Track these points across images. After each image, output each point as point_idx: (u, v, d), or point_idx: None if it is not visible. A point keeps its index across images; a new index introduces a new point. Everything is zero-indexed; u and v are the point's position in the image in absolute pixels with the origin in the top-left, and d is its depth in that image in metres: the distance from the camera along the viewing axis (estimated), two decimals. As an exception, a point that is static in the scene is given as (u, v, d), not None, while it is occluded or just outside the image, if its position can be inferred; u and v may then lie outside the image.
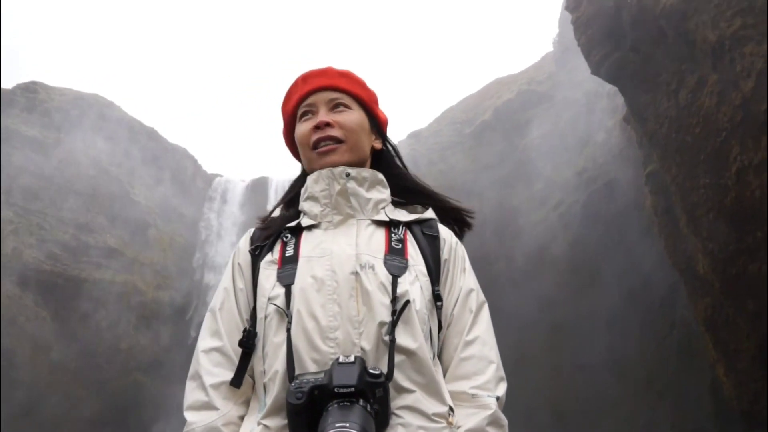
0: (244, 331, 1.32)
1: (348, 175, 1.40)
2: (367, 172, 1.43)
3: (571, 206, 18.83)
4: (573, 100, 19.84)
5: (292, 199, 1.56)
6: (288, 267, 1.32)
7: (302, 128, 1.49)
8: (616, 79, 11.21)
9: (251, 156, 69.68)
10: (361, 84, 1.54)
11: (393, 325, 1.23)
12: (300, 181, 1.55)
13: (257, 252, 1.40)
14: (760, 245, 8.16)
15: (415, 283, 1.29)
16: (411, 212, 1.50)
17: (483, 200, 22.41)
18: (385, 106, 1.61)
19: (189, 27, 79.58)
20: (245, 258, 1.42)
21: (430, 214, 1.50)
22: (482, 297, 1.42)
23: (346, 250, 1.31)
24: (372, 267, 1.29)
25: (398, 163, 1.61)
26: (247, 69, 79.58)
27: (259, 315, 1.32)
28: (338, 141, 1.44)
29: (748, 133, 8.05)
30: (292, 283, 1.28)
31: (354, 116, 1.48)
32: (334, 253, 1.31)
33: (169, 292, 23.71)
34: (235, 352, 1.33)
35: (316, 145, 1.45)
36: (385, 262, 1.30)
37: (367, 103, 1.54)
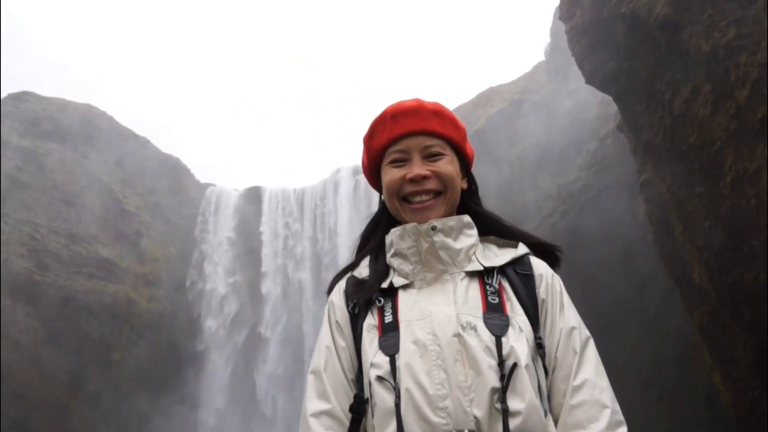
0: (355, 396, 1.30)
1: (434, 228, 1.34)
2: (452, 221, 1.38)
3: (564, 215, 18.91)
4: (565, 110, 19.96)
5: (371, 238, 1.53)
6: (389, 335, 1.28)
7: (393, 175, 1.41)
8: (610, 89, 11.29)
9: (244, 165, 69.57)
10: (454, 123, 1.48)
11: (503, 390, 1.19)
12: (380, 219, 1.51)
13: (355, 310, 1.36)
14: (756, 253, 8.20)
15: (519, 340, 1.25)
16: (501, 247, 1.46)
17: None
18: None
19: (181, 33, 79.62)
20: (343, 316, 1.38)
21: (522, 249, 1.44)
22: (586, 333, 1.35)
23: (444, 311, 1.27)
24: (474, 328, 1.25)
25: (478, 200, 1.57)
26: (240, 72, 79.72)
27: (365, 380, 1.29)
28: (436, 193, 1.39)
29: (744, 142, 8.11)
30: (396, 353, 1.25)
31: (450, 163, 1.43)
32: (433, 315, 1.27)
33: (162, 303, 23.54)
34: (345, 416, 1.29)
35: (409, 198, 1.39)
36: (486, 322, 1.26)
37: (459, 144, 1.48)
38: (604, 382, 1.33)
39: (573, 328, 1.33)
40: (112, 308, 22.40)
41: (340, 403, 1.30)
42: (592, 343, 1.34)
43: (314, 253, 23.73)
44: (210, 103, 75.32)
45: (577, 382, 1.28)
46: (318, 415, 1.30)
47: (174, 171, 25.79)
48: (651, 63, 9.85)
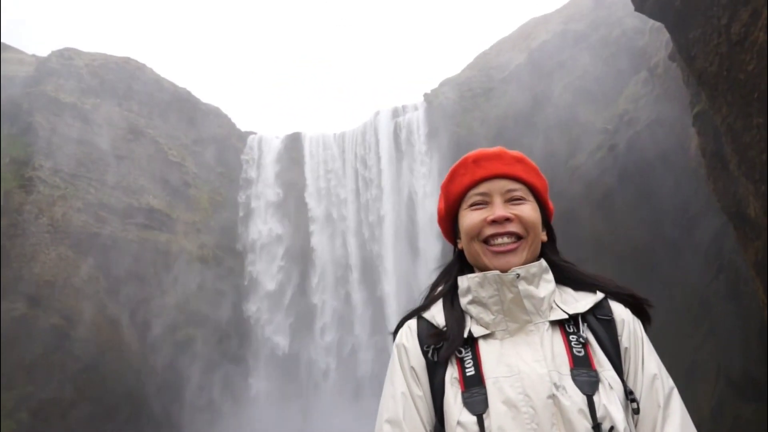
0: None
1: (518, 276, 1.28)
2: (535, 267, 1.32)
3: (611, 150, 18.36)
4: (612, 39, 19.05)
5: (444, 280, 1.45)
6: (474, 391, 1.22)
7: (473, 218, 1.36)
8: (662, 15, 10.66)
9: (283, 111, 69.62)
10: (536, 171, 1.44)
11: None
12: (453, 268, 1.44)
13: (434, 358, 1.29)
14: (817, 186, 7.83)
15: (612, 400, 1.19)
16: (577, 290, 1.39)
17: (517, 148, 22.00)
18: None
19: (213, -19, 78.53)
20: (419, 363, 1.31)
21: (600, 294, 1.38)
22: (669, 383, 1.29)
23: (536, 369, 1.21)
24: (564, 388, 1.19)
25: (558, 254, 1.49)
26: (278, 17, 78.64)
27: None
28: (518, 237, 1.34)
29: (807, 69, 7.61)
30: (484, 412, 1.19)
31: (533, 210, 1.38)
32: (522, 372, 1.21)
33: (212, 250, 24.37)
34: None
35: (489, 240, 1.34)
36: (575, 379, 1.20)
37: (541, 194, 1.44)
38: None
39: (655, 377, 1.28)
40: (166, 256, 23.33)
41: None
42: (676, 394, 1.28)
43: (356, 196, 23.94)
44: (247, 49, 74.95)
45: None
46: None
47: (216, 120, 26.08)
48: (707, -14, 9.23)
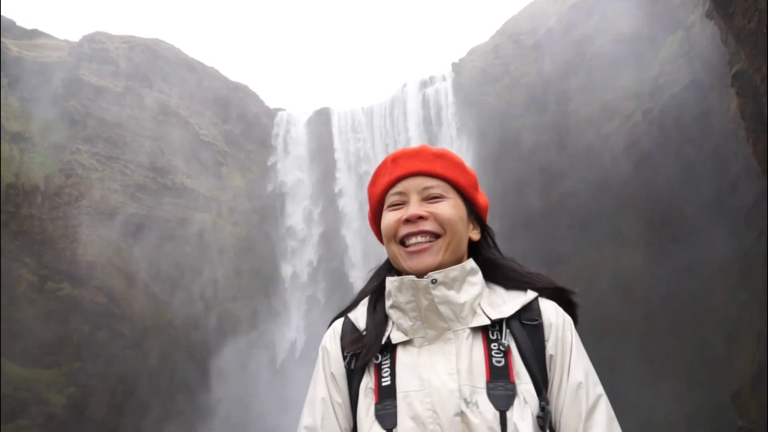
0: None
1: (434, 281, 1.23)
2: (455, 271, 1.25)
3: (646, 114, 17.86)
4: (647, -2, 18.35)
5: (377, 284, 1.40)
6: (387, 403, 1.19)
7: (389, 219, 1.30)
8: (698, -29, 10.25)
9: (310, 86, 69.51)
10: (459, 166, 1.36)
11: None
12: (383, 267, 1.39)
13: (351, 366, 1.26)
14: None
15: (524, 416, 1.14)
16: (509, 289, 1.33)
17: (549, 114, 21.61)
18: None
19: (236, -42, 78.15)
20: (339, 369, 1.28)
21: (531, 294, 1.31)
22: (596, 391, 1.22)
23: (447, 384, 1.17)
24: (476, 404, 1.15)
25: (495, 251, 1.41)
26: (297, -4, 78.07)
27: None
28: (433, 236, 1.27)
29: None
30: (393, 427, 1.17)
31: (451, 207, 1.30)
32: (433, 387, 1.17)
33: (245, 227, 24.77)
34: None
35: (404, 241, 1.28)
36: (489, 393, 1.16)
37: (465, 189, 1.35)
38: None
39: (579, 386, 1.20)
40: (201, 235, 23.83)
41: None
42: (603, 402, 1.19)
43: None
44: (272, 25, 74.73)
45: None
46: None
47: (244, 98, 26.25)
48: (746, -62, 8.81)
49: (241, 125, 25.97)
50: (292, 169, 25.23)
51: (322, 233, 24.32)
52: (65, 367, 22.15)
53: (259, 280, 23.94)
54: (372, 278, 1.41)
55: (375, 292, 1.36)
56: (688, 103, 15.68)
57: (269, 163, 25.63)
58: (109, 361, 21.88)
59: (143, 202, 22.93)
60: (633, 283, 18.73)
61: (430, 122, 23.26)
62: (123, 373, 21.74)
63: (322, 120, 25.52)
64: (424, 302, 1.23)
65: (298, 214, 24.60)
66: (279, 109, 26.95)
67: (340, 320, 1.37)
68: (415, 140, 23.15)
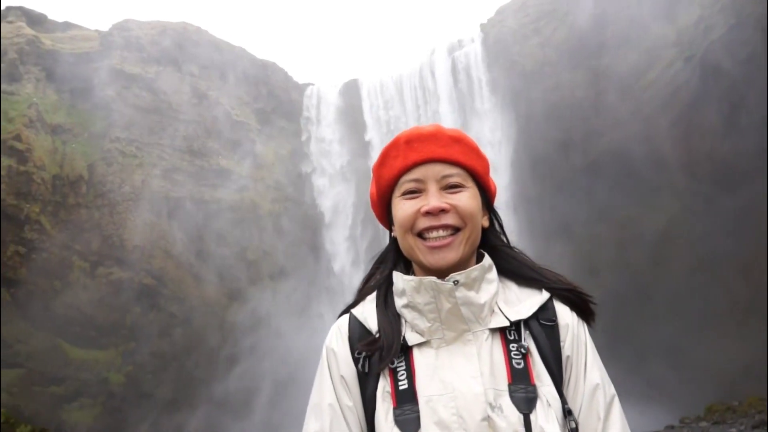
0: None
1: (456, 283, 1.19)
2: (476, 271, 1.21)
3: (687, 63, 17.17)
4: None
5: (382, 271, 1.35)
6: (406, 408, 1.15)
7: (407, 208, 1.24)
8: None
9: (338, 58, 69.02)
10: (476, 151, 1.29)
11: None
12: (387, 256, 1.33)
13: (364, 368, 1.21)
14: None
15: (549, 419, 1.14)
16: (521, 286, 1.30)
17: (584, 70, 20.97)
18: None
19: (255, -67, 77.34)
20: (350, 371, 1.23)
21: (546, 294, 1.28)
22: (611, 391, 1.22)
23: (472, 388, 1.15)
24: (500, 407, 1.13)
25: (503, 238, 1.36)
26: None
27: None
28: (454, 230, 1.22)
29: None
30: None
31: (472, 198, 1.25)
32: (457, 391, 1.15)
33: (284, 204, 25.08)
34: None
35: (424, 234, 1.23)
36: (512, 396, 1.14)
37: (482, 177, 1.29)
38: None
39: (597, 387, 1.20)
40: (240, 213, 24.25)
41: None
42: (616, 403, 1.21)
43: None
44: (294, -1, 74.11)
45: None
46: None
47: (273, 75, 26.32)
48: None
49: (271, 102, 26.10)
50: (324, 144, 25.30)
51: (355, 203, 24.45)
52: (121, 347, 23.09)
53: (297, 254, 24.31)
54: (377, 269, 1.35)
55: (383, 286, 1.30)
56: (732, 48, 14.99)
57: (303, 138, 25.75)
58: (162, 340, 22.70)
59: (182, 185, 23.41)
60: (677, 238, 18.32)
61: (461, 87, 22.88)
62: (175, 350, 22.55)
63: (351, 92, 25.42)
64: (447, 305, 1.19)
65: (333, 188, 24.75)
66: (308, 84, 26.95)
67: (345, 318, 1.31)
68: (447, 106, 22.84)
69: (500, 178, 21.09)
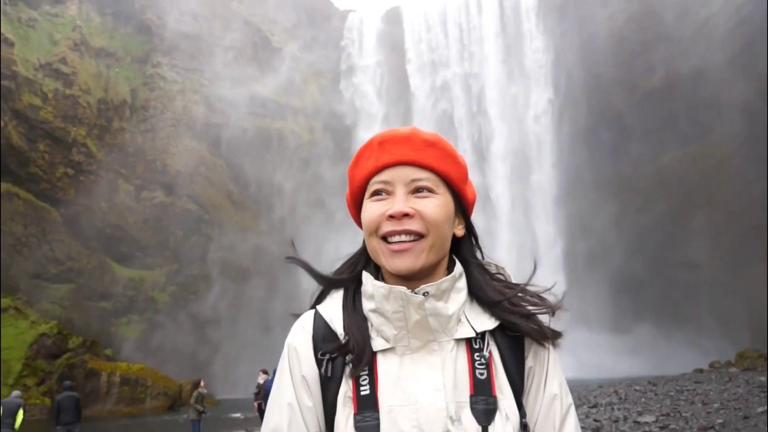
0: None
1: (426, 294, 1.18)
2: (446, 282, 1.21)
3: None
4: None
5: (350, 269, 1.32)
6: (367, 415, 1.16)
7: (372, 210, 1.23)
8: None
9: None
10: (451, 157, 1.25)
11: None
12: (360, 257, 1.32)
13: (327, 372, 1.21)
14: None
15: (506, 430, 1.16)
16: (483, 306, 1.28)
17: (638, 3, 19.78)
18: None
19: None
20: (312, 372, 1.23)
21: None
22: (567, 401, 1.24)
23: (434, 401, 1.16)
24: (460, 420, 1.14)
25: (477, 251, 1.32)
26: None
27: None
28: (417, 235, 1.20)
29: None
30: None
31: (440, 206, 1.22)
32: (419, 403, 1.16)
33: (323, 133, 25.06)
34: None
35: (387, 237, 1.21)
36: (473, 408, 1.15)
37: (455, 183, 1.26)
38: None
39: (555, 398, 1.21)
40: (279, 142, 24.39)
41: None
42: (572, 412, 1.23)
43: (462, 71, 23.09)
44: None
45: None
46: None
47: (315, 2, 25.72)
48: None
49: (312, 30, 25.60)
50: (365, 73, 24.88)
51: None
52: (165, 268, 24.12)
53: (335, 186, 24.48)
54: (346, 267, 1.35)
55: (351, 286, 1.30)
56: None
57: (343, 68, 25.36)
58: (204, 263, 23.58)
59: (222, 112, 23.54)
60: (728, 180, 17.72)
61: (506, 18, 21.95)
62: (218, 274, 23.45)
63: (393, 21, 24.68)
64: (415, 317, 1.18)
65: (373, 118, 24.52)
66: (349, 11, 26.26)
67: (310, 315, 1.30)
68: (492, 41, 22.00)
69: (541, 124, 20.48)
